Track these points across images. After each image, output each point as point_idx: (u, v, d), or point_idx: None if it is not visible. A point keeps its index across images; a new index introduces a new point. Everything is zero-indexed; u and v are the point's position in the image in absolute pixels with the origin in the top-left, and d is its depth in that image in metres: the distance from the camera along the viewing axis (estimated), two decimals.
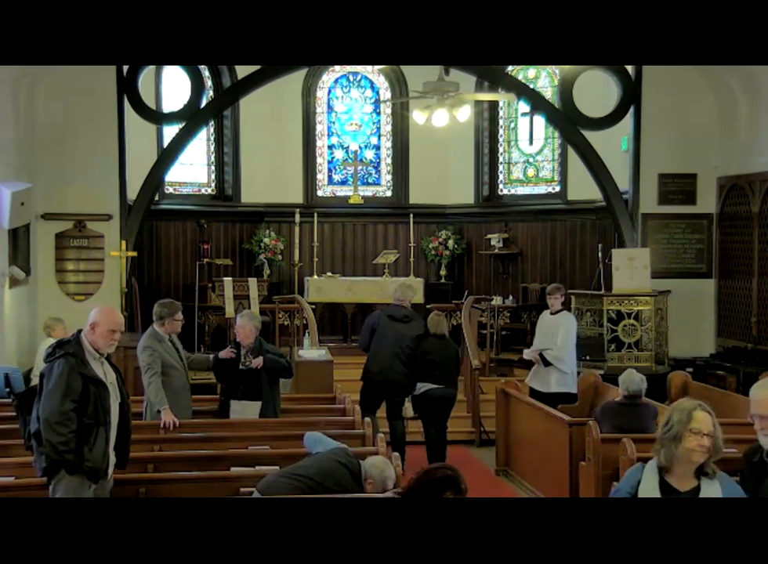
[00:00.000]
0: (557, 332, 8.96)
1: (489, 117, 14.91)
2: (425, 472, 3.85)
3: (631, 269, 10.66)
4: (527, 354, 9.22)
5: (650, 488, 3.75)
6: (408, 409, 9.03)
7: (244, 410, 7.19)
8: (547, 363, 8.92)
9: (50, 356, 5.04)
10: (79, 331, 5.13)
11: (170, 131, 12.47)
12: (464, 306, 11.81)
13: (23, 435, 5.19)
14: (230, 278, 11.65)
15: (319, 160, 15.25)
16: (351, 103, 15.41)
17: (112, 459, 5.13)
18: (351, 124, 15.45)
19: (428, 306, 13.66)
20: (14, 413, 5.53)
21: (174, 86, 13.42)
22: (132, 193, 11.21)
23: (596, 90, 12.09)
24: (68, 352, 4.97)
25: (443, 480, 3.77)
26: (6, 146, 9.68)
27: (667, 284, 11.09)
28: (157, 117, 11.85)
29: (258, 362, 7.13)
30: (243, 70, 12.21)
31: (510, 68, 13.84)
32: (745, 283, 10.85)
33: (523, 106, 13.91)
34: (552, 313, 9.24)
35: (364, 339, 9.02)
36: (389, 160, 15.40)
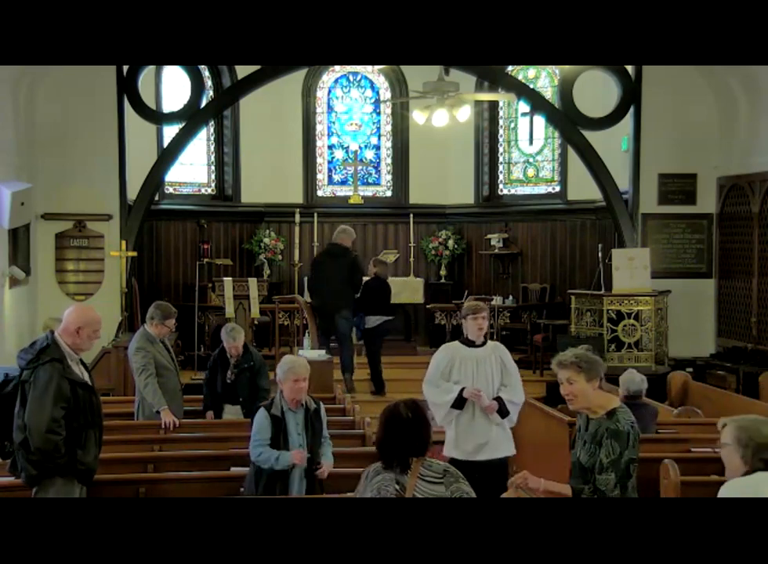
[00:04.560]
0: (500, 372, 6.20)
1: (489, 117, 14.90)
2: (380, 424, 3.88)
3: (631, 269, 10.67)
4: (485, 402, 6.07)
5: None
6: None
7: (237, 414, 7.34)
8: (505, 414, 6.17)
9: (32, 362, 4.87)
10: (52, 333, 5.00)
11: (170, 131, 12.47)
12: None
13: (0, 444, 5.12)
14: (230, 278, 11.63)
15: (319, 160, 15.24)
16: (351, 103, 15.41)
17: None
18: (351, 124, 15.45)
19: (428, 306, 13.75)
20: None
21: (174, 86, 13.42)
22: (132, 193, 11.22)
23: (596, 90, 12.09)
24: (54, 358, 4.86)
25: (392, 407, 3.79)
26: (6, 146, 9.68)
27: (667, 284, 11.09)
28: (157, 117, 11.85)
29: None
30: (243, 70, 12.22)
31: (510, 68, 13.84)
32: (745, 283, 10.86)
33: (523, 106, 13.90)
34: (477, 344, 6.23)
35: (310, 279, 11.13)
36: (389, 160, 15.40)
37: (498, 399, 6.12)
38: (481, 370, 6.15)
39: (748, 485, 3.47)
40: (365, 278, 10.78)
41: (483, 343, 6.25)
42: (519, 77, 13.77)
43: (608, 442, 4.14)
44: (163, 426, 6.73)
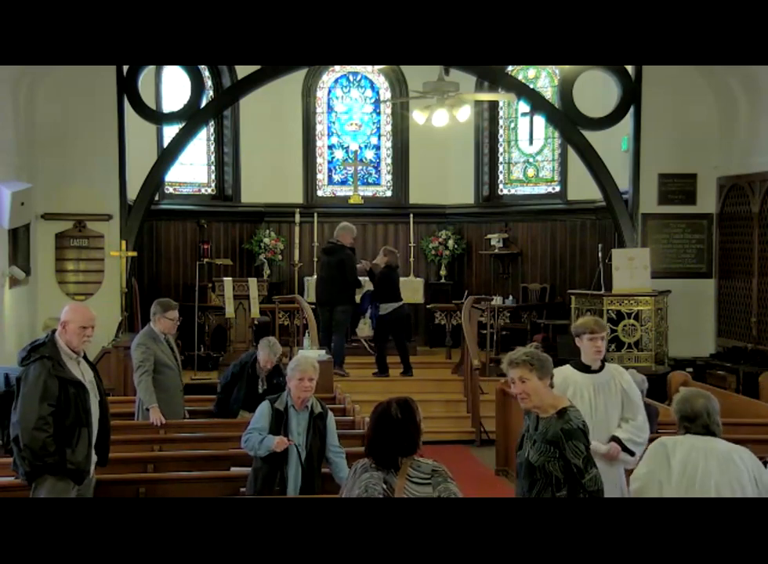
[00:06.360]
0: (620, 403, 5.24)
1: (489, 117, 14.90)
2: (370, 423, 3.86)
3: (631, 269, 10.66)
4: (601, 449, 5.05)
5: None
6: (364, 328, 12.08)
7: None
8: (632, 454, 5.18)
9: (25, 360, 4.94)
10: (53, 332, 5.05)
11: (170, 131, 12.46)
12: (464, 306, 11.80)
13: (1, 438, 5.14)
14: (230, 278, 11.64)
15: (319, 160, 15.24)
16: (351, 103, 15.40)
17: (93, 457, 5.12)
18: (351, 124, 15.44)
19: (428, 306, 13.76)
20: None
21: (174, 86, 13.41)
22: (132, 193, 11.21)
23: (596, 90, 12.09)
24: (44, 356, 4.89)
25: (385, 406, 3.76)
26: (6, 146, 9.68)
27: (667, 284, 11.09)
28: (157, 117, 11.85)
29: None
30: (243, 70, 12.21)
31: (510, 68, 13.83)
32: (745, 283, 10.85)
33: (523, 106, 13.90)
34: (594, 369, 5.29)
35: None
36: (389, 160, 15.39)
37: (616, 440, 5.12)
38: (600, 400, 5.19)
39: (663, 443, 4.04)
40: (380, 267, 11.37)
41: (601, 367, 5.27)
42: (519, 77, 13.77)
43: (569, 444, 4.08)
44: (157, 424, 6.75)
